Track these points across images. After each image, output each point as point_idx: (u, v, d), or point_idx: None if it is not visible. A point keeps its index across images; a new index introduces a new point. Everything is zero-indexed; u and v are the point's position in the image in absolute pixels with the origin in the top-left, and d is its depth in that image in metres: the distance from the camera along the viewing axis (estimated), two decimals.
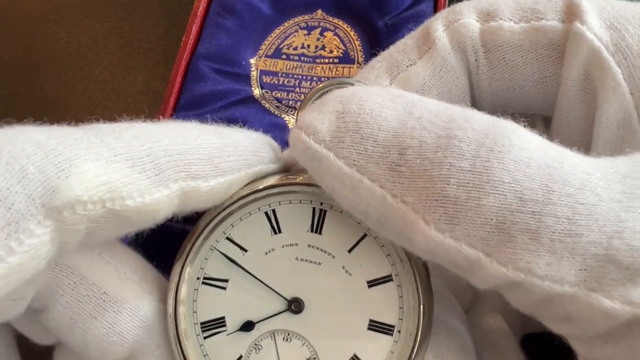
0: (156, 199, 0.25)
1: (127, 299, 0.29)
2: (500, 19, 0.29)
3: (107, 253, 0.29)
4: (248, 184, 0.30)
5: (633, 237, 0.20)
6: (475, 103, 0.32)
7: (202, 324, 0.30)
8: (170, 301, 0.30)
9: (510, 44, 0.29)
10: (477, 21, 0.29)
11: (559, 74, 0.29)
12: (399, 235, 0.25)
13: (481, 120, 0.24)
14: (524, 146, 0.22)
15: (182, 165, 0.26)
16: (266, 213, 0.30)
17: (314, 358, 0.29)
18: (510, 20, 0.29)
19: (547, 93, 0.31)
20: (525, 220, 0.21)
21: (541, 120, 0.34)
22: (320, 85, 0.31)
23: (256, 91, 0.57)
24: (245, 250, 0.30)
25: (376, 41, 0.57)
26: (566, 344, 0.38)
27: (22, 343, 0.32)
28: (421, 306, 0.28)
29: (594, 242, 0.20)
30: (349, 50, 0.58)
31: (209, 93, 0.55)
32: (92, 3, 0.71)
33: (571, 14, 0.28)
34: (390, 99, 0.26)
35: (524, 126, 0.24)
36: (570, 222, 0.21)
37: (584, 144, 0.30)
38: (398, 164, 0.23)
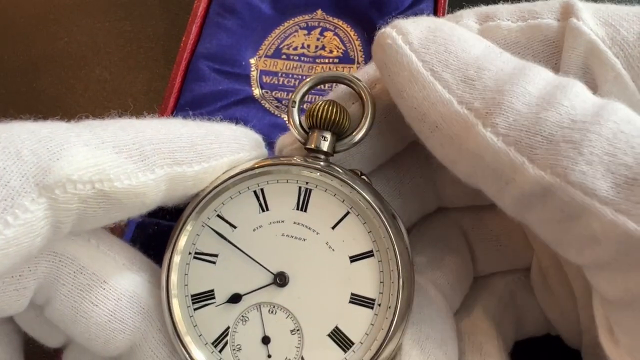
0: (143, 182, 0.28)
1: (126, 287, 0.32)
2: (499, 19, 0.32)
3: (105, 245, 0.32)
4: (236, 165, 0.33)
5: None
6: None
7: (192, 296, 0.34)
8: (164, 275, 0.33)
9: (508, 40, 0.32)
10: (476, 22, 0.32)
11: (555, 69, 0.32)
12: (450, 140, 0.28)
13: (552, 72, 0.27)
14: (585, 91, 0.26)
15: (166, 152, 0.30)
16: (255, 192, 0.33)
17: (298, 329, 0.33)
18: (508, 20, 0.32)
19: None
20: (572, 134, 0.24)
21: None
22: (312, 77, 0.35)
23: (256, 91, 0.59)
24: (235, 227, 0.33)
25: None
26: (557, 351, 0.41)
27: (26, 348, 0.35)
28: (401, 280, 0.31)
29: (626, 165, 0.23)
30: (348, 50, 0.60)
31: (209, 93, 0.58)
32: (92, 3, 0.73)
33: (567, 12, 0.31)
34: (476, 38, 0.30)
35: None
36: (609, 143, 0.24)
37: None
38: (473, 79, 0.27)
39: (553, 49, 0.31)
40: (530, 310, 0.41)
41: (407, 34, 0.29)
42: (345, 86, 0.35)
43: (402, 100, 0.29)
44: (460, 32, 0.30)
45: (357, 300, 0.32)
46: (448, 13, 0.57)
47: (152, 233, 0.46)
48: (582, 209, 0.24)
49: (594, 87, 0.31)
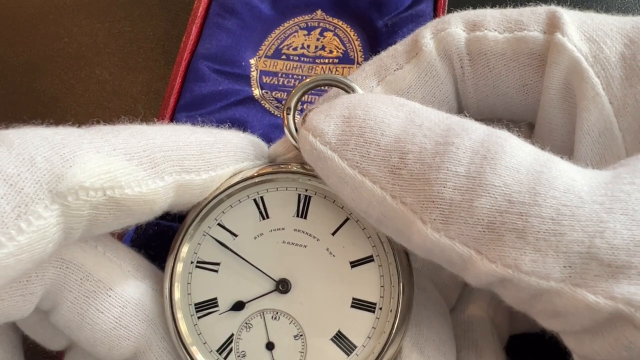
0: (153, 189, 0.29)
1: (131, 294, 0.32)
2: (486, 29, 0.32)
3: (111, 252, 0.33)
4: (237, 173, 0.34)
5: (613, 237, 0.23)
6: (463, 109, 0.35)
7: (196, 304, 0.34)
8: (167, 284, 0.34)
9: (494, 52, 0.32)
10: (464, 31, 0.33)
11: (539, 82, 0.32)
12: (398, 233, 0.28)
13: (477, 129, 0.27)
14: (515, 153, 0.25)
15: (175, 160, 0.30)
16: (255, 200, 0.34)
17: (301, 335, 0.33)
18: (495, 30, 0.32)
19: (528, 100, 0.34)
20: (513, 220, 0.24)
21: (526, 126, 0.37)
22: (306, 81, 0.35)
23: (256, 91, 0.59)
24: (236, 235, 0.34)
25: (376, 41, 0.59)
26: (553, 345, 0.41)
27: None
28: (401, 284, 0.32)
29: (576, 240, 0.23)
30: (348, 51, 0.60)
31: (209, 93, 0.58)
32: (92, 3, 0.73)
33: (553, 25, 0.31)
34: (394, 107, 0.29)
35: (518, 135, 0.27)
36: (554, 222, 0.23)
37: (566, 149, 0.33)
38: (398, 167, 0.26)
39: (538, 62, 0.32)
40: None
41: (323, 135, 0.29)
42: (339, 90, 0.35)
43: (343, 198, 0.29)
44: (375, 112, 0.29)
45: (359, 304, 0.33)
46: (447, 13, 0.57)
47: (152, 233, 0.46)
48: (540, 291, 0.24)
49: (574, 102, 0.31)
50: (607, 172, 0.25)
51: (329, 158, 0.28)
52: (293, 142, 0.34)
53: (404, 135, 0.27)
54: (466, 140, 0.26)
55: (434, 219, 0.25)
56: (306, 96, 0.36)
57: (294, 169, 0.33)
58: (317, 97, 0.54)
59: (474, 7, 0.34)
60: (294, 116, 0.34)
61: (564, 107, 0.32)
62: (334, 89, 0.35)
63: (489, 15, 0.33)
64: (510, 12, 0.32)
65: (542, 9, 0.32)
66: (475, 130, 0.27)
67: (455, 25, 0.33)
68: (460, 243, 0.25)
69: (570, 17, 0.31)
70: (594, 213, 0.23)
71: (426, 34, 0.33)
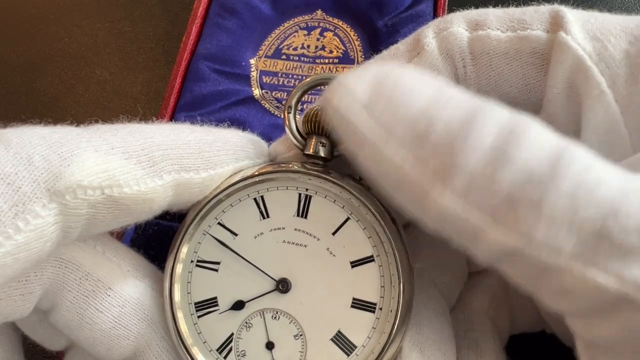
0: (151, 188, 0.29)
1: (130, 293, 0.32)
2: (488, 28, 0.32)
3: (110, 252, 0.33)
4: (237, 172, 0.34)
5: (627, 219, 0.23)
6: None
7: (195, 304, 0.34)
8: (166, 283, 0.34)
9: (497, 51, 0.32)
10: (466, 30, 0.32)
11: (543, 81, 0.32)
12: (412, 200, 0.27)
13: (504, 109, 0.27)
14: (540, 133, 0.25)
15: (174, 158, 0.30)
16: (255, 199, 0.34)
17: (301, 334, 0.33)
18: (498, 29, 0.32)
19: (531, 99, 0.33)
20: (530, 193, 0.24)
21: None
22: (306, 81, 0.35)
23: (256, 91, 0.59)
24: (236, 235, 0.34)
25: (376, 41, 0.59)
26: (553, 345, 0.41)
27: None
28: (401, 285, 0.32)
29: (590, 218, 0.23)
30: (348, 51, 0.60)
31: (209, 93, 0.58)
32: (92, 3, 0.73)
33: (556, 24, 0.31)
34: (425, 79, 0.29)
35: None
36: (570, 198, 0.23)
37: None
38: (424, 134, 0.26)
39: (541, 61, 0.32)
40: (524, 305, 0.41)
41: (353, 93, 0.28)
42: None
43: (360, 161, 0.29)
44: (406, 79, 0.28)
45: (359, 304, 0.33)
46: (448, 13, 0.57)
47: (152, 233, 0.46)
48: (550, 266, 0.24)
49: (578, 101, 0.31)
50: (622, 162, 0.26)
51: (354, 115, 0.28)
52: (294, 140, 0.34)
53: (434, 104, 0.27)
54: (494, 115, 0.26)
55: (454, 185, 0.25)
56: (306, 96, 0.36)
57: (295, 168, 0.33)
58: (316, 96, 0.54)
59: (475, 7, 0.34)
60: (294, 115, 0.34)
61: (568, 106, 0.32)
62: None
63: (492, 14, 0.32)
64: (513, 12, 0.32)
65: (545, 8, 0.32)
66: (502, 110, 0.27)
67: (458, 24, 0.33)
68: (477, 212, 0.25)
69: (573, 16, 0.31)
70: (609, 195, 0.23)
71: (428, 34, 0.33)
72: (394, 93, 0.28)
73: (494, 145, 0.25)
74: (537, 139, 0.25)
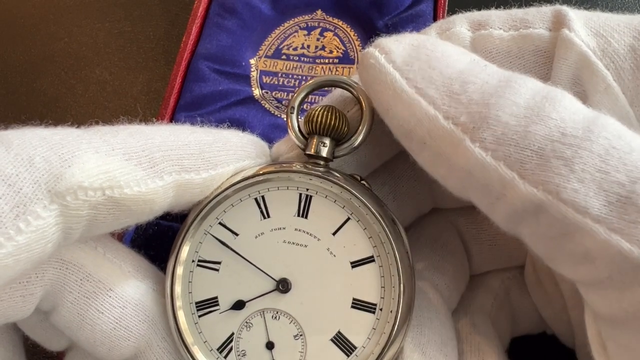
0: (152, 189, 0.29)
1: (131, 294, 0.32)
2: (491, 27, 0.32)
3: (111, 253, 0.33)
4: (238, 172, 0.34)
5: None
6: None
7: (196, 303, 0.34)
8: (168, 282, 0.34)
9: (499, 50, 0.32)
10: (469, 30, 0.33)
11: (546, 79, 0.32)
12: (438, 156, 0.28)
13: (539, 82, 0.27)
14: (574, 101, 0.26)
15: (174, 159, 0.30)
16: (256, 199, 0.34)
17: (301, 335, 0.33)
18: (500, 28, 0.32)
19: None
20: (563, 149, 0.24)
21: None
22: (310, 82, 0.35)
23: (256, 91, 0.59)
24: (237, 234, 0.34)
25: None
26: (554, 347, 0.41)
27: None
28: (401, 285, 0.32)
29: (619, 182, 0.23)
30: (348, 51, 0.60)
31: (209, 93, 0.57)
32: (92, 3, 0.73)
33: (559, 23, 0.31)
34: (461, 51, 0.30)
35: None
36: (601, 160, 0.23)
37: None
38: (457, 93, 0.27)
39: (544, 59, 0.32)
40: (526, 307, 0.41)
41: (390, 53, 0.29)
42: (343, 90, 0.35)
43: (389, 118, 0.30)
44: (443, 47, 0.30)
45: (359, 305, 0.33)
46: (448, 13, 0.57)
47: (152, 233, 0.46)
48: (575, 227, 0.24)
49: (584, 98, 0.31)
50: None
51: (389, 73, 0.29)
52: (296, 141, 0.34)
53: (469, 70, 0.28)
54: (529, 83, 0.27)
55: (485, 138, 0.25)
56: (308, 96, 0.36)
57: (296, 168, 0.33)
58: (317, 97, 0.54)
59: (475, 7, 0.34)
60: (297, 116, 0.34)
61: None
62: (338, 89, 0.35)
63: (494, 14, 0.33)
64: (515, 12, 0.32)
65: (548, 8, 0.32)
66: (536, 81, 0.27)
67: (460, 25, 0.33)
68: (505, 165, 0.25)
69: (576, 14, 0.31)
70: (639, 162, 0.23)
71: (431, 34, 0.33)
72: (432, 55, 0.29)
73: (528, 105, 0.26)
74: (571, 105, 0.25)
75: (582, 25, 0.30)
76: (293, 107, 0.35)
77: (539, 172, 0.24)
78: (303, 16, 0.63)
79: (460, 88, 0.27)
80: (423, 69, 0.28)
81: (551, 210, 0.24)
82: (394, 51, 0.29)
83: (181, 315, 0.34)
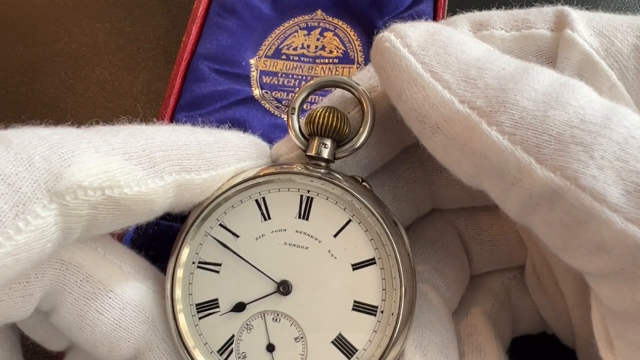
0: (152, 189, 0.29)
1: (131, 296, 0.32)
2: (492, 28, 0.32)
3: (111, 254, 0.33)
4: (239, 173, 0.34)
5: None
6: None
7: (197, 305, 0.34)
8: (168, 284, 0.33)
9: (501, 50, 0.31)
10: (470, 30, 0.32)
11: None
12: (452, 141, 0.27)
13: (556, 72, 0.27)
14: (592, 91, 0.26)
15: (175, 159, 0.30)
16: (257, 201, 0.34)
17: (302, 337, 0.33)
18: (502, 29, 0.32)
19: None
20: (582, 135, 0.24)
21: None
22: (310, 83, 0.35)
23: (256, 91, 0.59)
24: (237, 236, 0.34)
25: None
26: (555, 346, 0.41)
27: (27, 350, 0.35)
28: (402, 287, 0.32)
29: (638, 172, 0.23)
30: (348, 51, 0.60)
31: (209, 93, 0.57)
32: (92, 3, 0.73)
33: (561, 23, 0.31)
34: (477, 41, 0.30)
35: None
36: (620, 148, 0.23)
37: None
38: (474, 79, 0.27)
39: (547, 59, 0.31)
40: (526, 308, 0.41)
41: (406, 37, 0.29)
42: (343, 91, 0.35)
43: (402, 102, 0.29)
44: (459, 35, 0.29)
45: (360, 307, 0.33)
46: (448, 13, 0.57)
47: (152, 233, 0.46)
48: (591, 215, 0.23)
49: None
50: None
51: (404, 57, 0.29)
52: (297, 142, 0.34)
53: (485, 57, 0.28)
54: (547, 71, 0.27)
55: (502, 122, 0.25)
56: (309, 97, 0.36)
57: (297, 169, 0.33)
58: (318, 97, 0.54)
59: (476, 7, 0.34)
60: (298, 116, 0.34)
61: None
62: (339, 89, 0.35)
63: (495, 15, 0.32)
64: (517, 12, 0.32)
65: (550, 9, 0.32)
66: (554, 71, 0.27)
67: (461, 25, 0.32)
68: (523, 149, 0.25)
69: (578, 15, 0.31)
70: None
71: None
72: (448, 42, 0.28)
73: (547, 91, 0.25)
74: (589, 93, 0.25)
75: (584, 25, 0.30)
76: (294, 108, 0.34)
77: (557, 157, 0.24)
78: (303, 16, 0.63)
79: (476, 73, 0.27)
80: (439, 54, 0.28)
81: (568, 196, 0.24)
82: (410, 35, 0.29)
83: (181, 318, 0.33)
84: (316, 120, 0.33)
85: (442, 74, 0.27)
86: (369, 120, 0.33)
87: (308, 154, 0.34)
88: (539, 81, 0.26)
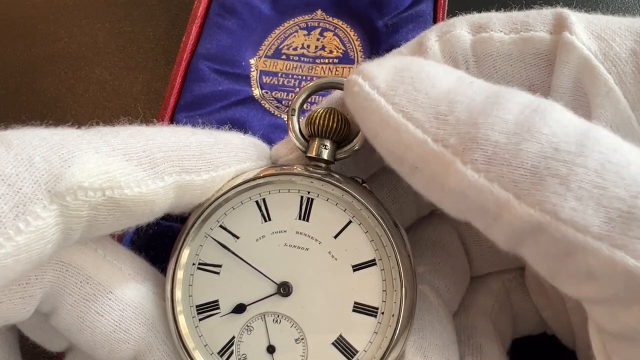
0: (152, 190, 0.29)
1: (131, 297, 0.32)
2: (492, 30, 0.32)
3: (111, 255, 0.32)
4: (239, 175, 0.34)
5: None
6: None
7: (197, 306, 0.34)
8: (168, 286, 0.33)
9: (500, 53, 0.32)
10: (469, 33, 0.32)
11: (547, 82, 0.32)
12: (431, 180, 0.27)
13: (526, 94, 0.27)
14: (564, 113, 0.25)
15: (175, 160, 0.30)
16: (257, 202, 0.33)
17: (302, 338, 0.33)
18: (501, 31, 0.32)
19: None
20: (557, 166, 0.23)
21: None
22: (311, 84, 0.35)
23: (256, 91, 0.59)
24: (238, 237, 0.34)
25: (376, 41, 0.59)
26: (555, 347, 0.41)
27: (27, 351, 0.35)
28: (403, 289, 0.32)
29: (618, 197, 0.22)
30: (348, 51, 0.60)
31: (209, 93, 0.57)
32: (92, 3, 0.73)
33: (560, 26, 0.31)
34: (446, 69, 0.29)
35: None
36: (598, 175, 0.23)
37: None
38: (445, 114, 0.26)
39: (545, 62, 0.31)
40: (526, 309, 0.41)
41: (373, 79, 0.29)
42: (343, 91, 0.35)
43: (379, 145, 0.29)
44: (428, 68, 0.29)
45: (361, 309, 0.33)
46: (448, 13, 0.57)
47: (152, 234, 0.46)
48: (575, 246, 0.23)
49: (585, 101, 0.31)
50: None
51: (374, 100, 0.28)
52: (297, 144, 0.34)
53: (455, 89, 0.27)
54: (517, 97, 0.26)
55: (476, 159, 0.25)
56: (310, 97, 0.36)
57: (297, 170, 0.33)
58: (319, 97, 0.54)
59: (476, 7, 0.34)
60: (298, 118, 0.34)
61: (574, 106, 0.31)
62: (338, 90, 0.34)
63: (494, 17, 0.32)
64: (516, 14, 0.32)
65: (548, 11, 0.32)
66: (524, 94, 0.26)
67: (461, 27, 0.32)
68: (499, 186, 0.24)
69: (577, 18, 0.30)
70: (638, 175, 0.23)
71: (431, 37, 0.33)
72: (416, 77, 0.28)
73: (518, 120, 0.25)
74: (562, 117, 0.25)
75: (583, 29, 0.30)
76: (294, 110, 0.34)
77: (534, 192, 0.23)
78: (303, 16, 0.63)
79: (447, 108, 0.26)
80: (408, 92, 0.28)
81: (550, 230, 0.23)
82: (377, 76, 0.29)
83: (182, 320, 0.33)
84: (316, 121, 0.33)
85: (413, 112, 0.27)
86: None
87: (308, 155, 0.34)
88: (510, 110, 0.25)
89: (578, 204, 0.23)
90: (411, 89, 0.28)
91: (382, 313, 0.33)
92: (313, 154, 0.33)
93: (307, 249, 0.33)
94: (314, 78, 0.59)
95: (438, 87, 0.27)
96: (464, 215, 0.27)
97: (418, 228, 0.41)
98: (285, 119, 0.57)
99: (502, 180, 0.24)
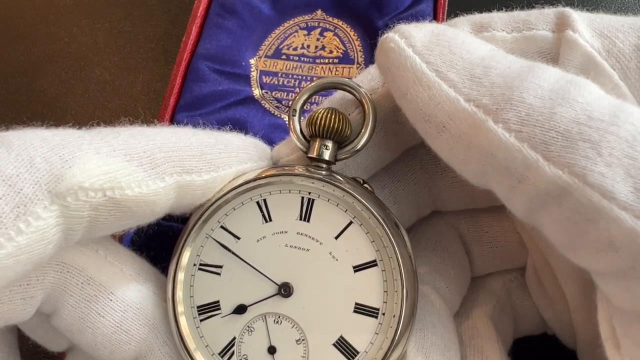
0: (153, 190, 0.29)
1: (132, 298, 0.32)
2: (493, 29, 0.32)
3: (112, 256, 0.32)
4: (240, 175, 0.33)
5: None
6: None
7: (198, 307, 0.34)
8: (169, 286, 0.33)
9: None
10: (471, 32, 0.32)
11: None
12: (458, 140, 0.27)
13: (560, 69, 0.27)
14: (598, 88, 0.25)
15: (176, 160, 0.30)
16: (258, 203, 0.33)
17: (303, 339, 0.33)
18: (503, 30, 0.32)
19: None
20: (590, 132, 0.23)
21: None
22: (312, 84, 0.35)
23: (256, 91, 0.59)
24: (238, 238, 0.34)
25: (376, 41, 0.56)
26: (556, 347, 0.41)
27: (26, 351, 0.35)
28: (404, 290, 0.32)
29: None
30: (348, 51, 0.60)
31: (209, 93, 0.57)
32: (92, 3, 0.73)
33: (562, 24, 0.31)
34: (481, 41, 0.30)
35: None
36: (629, 145, 0.23)
37: None
38: (479, 77, 0.27)
39: (548, 60, 0.31)
40: (527, 309, 0.41)
41: (410, 37, 0.29)
42: (345, 92, 0.34)
43: (407, 102, 0.29)
44: (463, 35, 0.29)
45: (362, 309, 0.33)
46: (448, 13, 0.57)
47: (152, 233, 0.46)
48: (600, 213, 0.23)
49: None
50: None
51: (409, 57, 0.29)
52: (298, 144, 0.34)
53: (490, 57, 0.28)
54: (552, 69, 0.26)
55: (508, 119, 0.25)
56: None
57: (298, 171, 0.33)
58: (323, 97, 0.54)
59: (475, 7, 0.34)
60: (299, 118, 0.34)
61: None
62: (339, 91, 0.34)
63: (496, 16, 0.32)
64: (518, 14, 0.32)
65: (550, 10, 0.32)
66: (558, 69, 0.27)
67: (462, 27, 0.32)
68: (529, 146, 0.24)
69: (579, 16, 0.31)
70: None
71: None
72: (452, 42, 0.28)
73: (553, 88, 0.25)
74: (596, 90, 0.25)
75: (586, 27, 0.30)
76: (295, 110, 0.34)
77: (564, 155, 0.23)
78: (303, 16, 0.63)
79: (482, 72, 0.27)
80: (444, 53, 0.28)
81: (576, 194, 0.23)
82: (415, 36, 0.29)
83: (183, 321, 0.33)
84: (317, 121, 0.33)
85: (447, 73, 0.27)
86: (370, 122, 0.33)
87: (309, 155, 0.34)
88: (545, 78, 0.26)
89: (607, 170, 0.23)
90: (447, 51, 0.28)
91: (383, 314, 0.32)
92: (314, 154, 0.33)
93: (308, 250, 0.33)
94: (314, 78, 0.59)
95: (473, 53, 0.28)
96: (486, 177, 0.27)
97: (419, 229, 0.41)
98: (286, 119, 0.57)
99: (533, 141, 0.24)
